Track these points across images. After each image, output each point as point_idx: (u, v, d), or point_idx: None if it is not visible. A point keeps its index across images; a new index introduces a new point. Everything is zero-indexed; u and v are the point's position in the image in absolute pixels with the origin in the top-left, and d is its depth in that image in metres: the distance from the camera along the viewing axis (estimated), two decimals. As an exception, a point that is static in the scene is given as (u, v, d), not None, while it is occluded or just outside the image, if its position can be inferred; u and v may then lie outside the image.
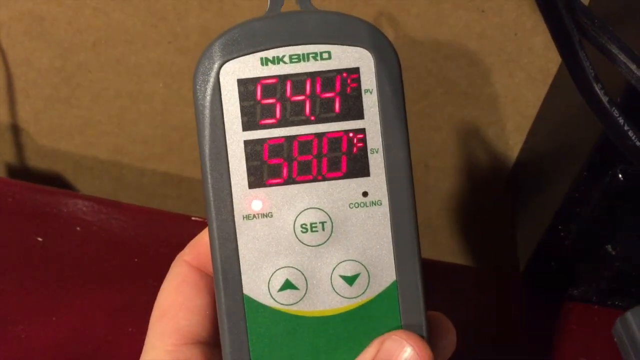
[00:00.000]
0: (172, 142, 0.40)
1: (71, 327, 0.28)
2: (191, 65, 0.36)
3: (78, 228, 0.32)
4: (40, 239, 0.31)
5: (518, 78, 0.34)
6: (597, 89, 0.16)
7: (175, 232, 0.32)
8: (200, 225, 0.33)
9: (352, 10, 0.32)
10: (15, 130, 0.41)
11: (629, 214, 0.28)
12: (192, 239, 0.33)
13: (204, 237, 0.22)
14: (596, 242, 0.30)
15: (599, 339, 0.32)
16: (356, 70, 0.19)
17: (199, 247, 0.22)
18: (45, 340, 0.28)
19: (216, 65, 0.19)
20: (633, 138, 0.18)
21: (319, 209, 0.19)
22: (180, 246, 0.32)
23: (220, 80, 0.19)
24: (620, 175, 0.27)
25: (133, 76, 0.37)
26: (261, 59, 0.19)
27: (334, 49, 0.19)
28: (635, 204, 0.27)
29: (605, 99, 0.16)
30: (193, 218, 0.33)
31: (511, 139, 0.36)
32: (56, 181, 0.43)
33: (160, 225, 0.33)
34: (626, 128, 0.18)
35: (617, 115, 0.18)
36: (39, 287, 0.29)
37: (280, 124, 0.19)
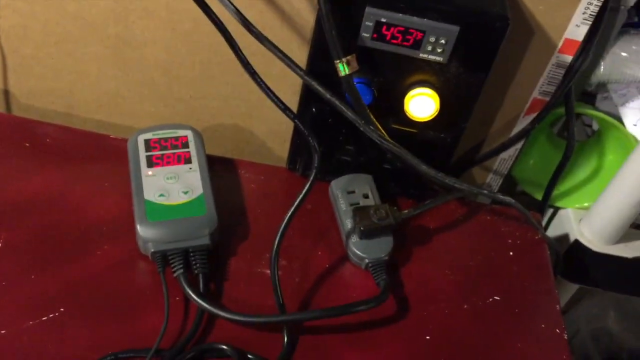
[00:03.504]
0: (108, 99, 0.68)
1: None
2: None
3: (48, 140, 0.60)
4: (27, 144, 0.59)
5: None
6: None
7: (97, 144, 0.61)
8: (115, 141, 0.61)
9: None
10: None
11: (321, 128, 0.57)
12: (111, 149, 0.61)
13: None
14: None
15: (323, 198, 0.61)
16: (186, 137, 0.57)
17: None
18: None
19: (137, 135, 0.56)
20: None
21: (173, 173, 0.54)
22: (103, 152, 0.60)
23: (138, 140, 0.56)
24: (313, 109, 0.56)
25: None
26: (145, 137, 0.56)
27: (179, 131, 0.58)
28: (322, 125, 0.57)
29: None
30: (112, 136, 0.61)
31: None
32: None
33: (89, 139, 0.61)
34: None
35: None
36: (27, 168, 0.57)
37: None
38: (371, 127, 0.51)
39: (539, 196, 0.73)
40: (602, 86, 0.76)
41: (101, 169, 0.58)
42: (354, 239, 0.55)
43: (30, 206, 0.53)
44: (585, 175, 0.74)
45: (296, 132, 0.59)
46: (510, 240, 0.62)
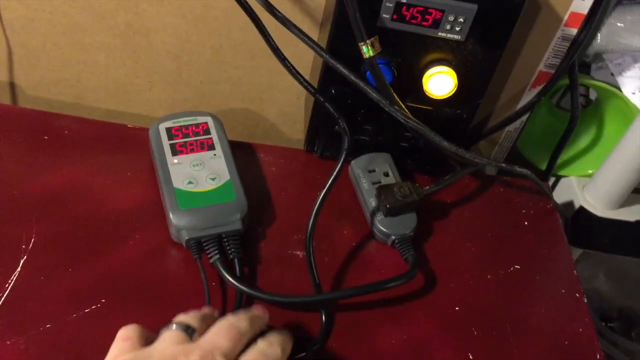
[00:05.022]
0: (121, 88, 0.68)
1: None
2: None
3: (66, 132, 0.59)
4: (46, 137, 0.58)
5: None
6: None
7: (115, 134, 0.60)
8: (133, 130, 0.61)
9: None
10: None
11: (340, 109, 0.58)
12: (130, 139, 0.61)
13: None
14: (332, 125, 0.60)
15: (342, 178, 0.62)
16: (206, 124, 0.57)
17: None
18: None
19: (157, 124, 0.55)
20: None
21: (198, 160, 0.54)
22: (122, 141, 0.60)
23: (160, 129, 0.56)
24: (333, 91, 0.57)
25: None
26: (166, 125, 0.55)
27: (199, 117, 0.57)
28: (341, 106, 0.57)
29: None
30: (129, 126, 0.61)
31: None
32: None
33: (107, 130, 0.61)
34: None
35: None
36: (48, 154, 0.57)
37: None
38: (395, 107, 0.52)
39: (542, 166, 0.75)
40: (598, 56, 0.78)
41: (122, 159, 0.58)
42: (379, 216, 0.57)
43: (57, 200, 0.53)
44: (586, 144, 0.76)
45: (315, 114, 0.60)
46: (524, 211, 0.64)
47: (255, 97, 0.69)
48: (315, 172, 0.62)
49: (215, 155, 0.55)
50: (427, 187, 0.58)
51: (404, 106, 0.54)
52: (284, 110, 0.70)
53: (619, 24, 0.75)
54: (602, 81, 0.74)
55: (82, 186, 0.55)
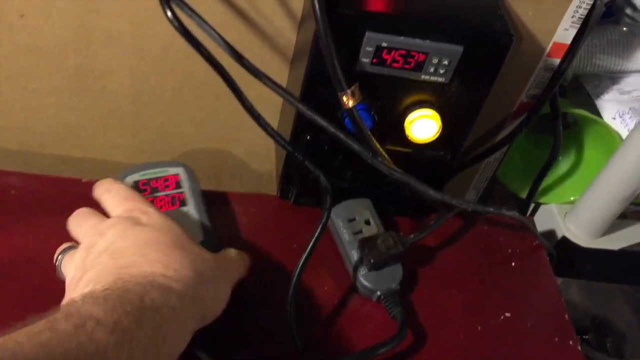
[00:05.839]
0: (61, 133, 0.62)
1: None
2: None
3: (13, 191, 0.53)
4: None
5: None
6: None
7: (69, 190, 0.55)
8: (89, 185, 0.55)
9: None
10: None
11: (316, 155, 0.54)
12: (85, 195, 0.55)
13: None
14: (307, 172, 0.56)
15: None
16: (178, 176, 0.52)
17: None
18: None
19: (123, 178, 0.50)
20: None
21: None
22: (77, 198, 0.54)
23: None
24: (308, 137, 0.53)
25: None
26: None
27: (170, 169, 0.52)
28: (317, 152, 0.53)
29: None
30: (84, 180, 0.56)
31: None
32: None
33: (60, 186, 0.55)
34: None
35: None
36: None
37: None
38: (379, 158, 0.48)
39: (522, 193, 0.73)
40: (574, 78, 0.76)
41: (79, 219, 0.53)
42: (363, 271, 0.53)
43: (8, 274, 0.48)
44: (566, 170, 0.74)
45: (288, 162, 0.56)
46: (509, 250, 0.61)
47: (220, 138, 0.64)
48: (290, 220, 0.58)
49: (187, 212, 0.50)
50: (412, 236, 0.55)
51: (387, 156, 0.50)
52: (251, 148, 0.65)
53: (594, 46, 0.72)
54: (581, 108, 0.72)
55: (34, 256, 0.49)
